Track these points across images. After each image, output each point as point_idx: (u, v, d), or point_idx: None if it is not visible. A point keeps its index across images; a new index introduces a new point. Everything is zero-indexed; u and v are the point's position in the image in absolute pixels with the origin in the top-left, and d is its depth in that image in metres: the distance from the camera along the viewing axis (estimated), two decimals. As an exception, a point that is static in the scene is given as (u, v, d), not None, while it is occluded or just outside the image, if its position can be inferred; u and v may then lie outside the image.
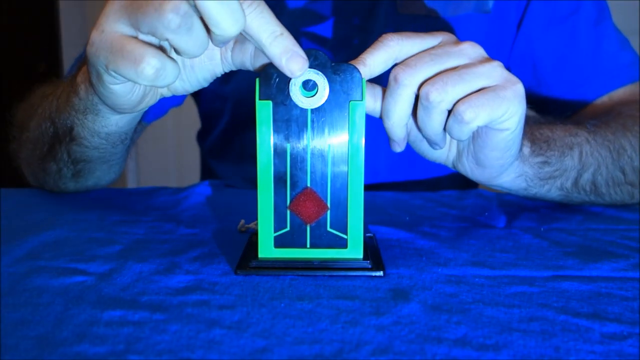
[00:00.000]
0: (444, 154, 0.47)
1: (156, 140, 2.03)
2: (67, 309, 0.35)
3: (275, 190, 0.40)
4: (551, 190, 0.52)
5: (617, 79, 0.70)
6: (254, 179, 0.41)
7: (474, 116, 0.40)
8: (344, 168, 0.40)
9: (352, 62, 0.41)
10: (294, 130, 0.40)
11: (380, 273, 0.40)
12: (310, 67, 0.39)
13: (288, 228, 0.41)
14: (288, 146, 0.40)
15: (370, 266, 0.40)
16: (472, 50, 0.41)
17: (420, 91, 0.40)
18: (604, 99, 0.70)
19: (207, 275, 0.40)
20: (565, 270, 0.42)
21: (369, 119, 0.41)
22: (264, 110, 0.39)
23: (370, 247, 0.45)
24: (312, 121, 0.40)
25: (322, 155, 0.40)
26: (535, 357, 0.30)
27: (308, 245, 0.41)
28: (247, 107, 0.76)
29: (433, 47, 0.42)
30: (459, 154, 0.46)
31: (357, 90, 0.39)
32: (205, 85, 0.43)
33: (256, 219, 0.41)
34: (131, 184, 2.09)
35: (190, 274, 0.40)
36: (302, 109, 0.40)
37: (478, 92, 0.40)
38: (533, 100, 0.74)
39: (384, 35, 0.41)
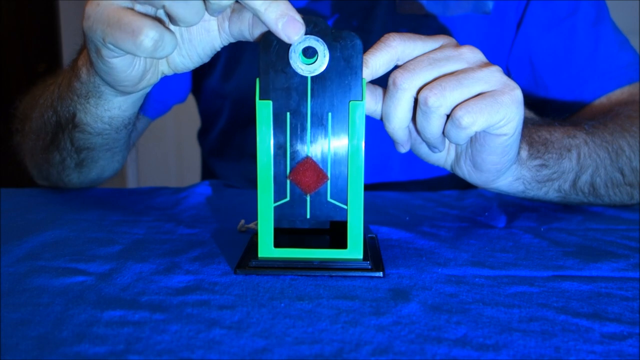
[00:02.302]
0: (443, 157, 0.47)
1: (156, 140, 2.03)
2: (67, 309, 0.35)
3: (275, 161, 0.40)
4: (549, 193, 0.52)
5: (615, 80, 0.70)
6: (253, 178, 0.41)
7: (472, 121, 0.40)
8: (344, 137, 0.40)
9: None
10: (294, 99, 0.39)
11: (380, 274, 0.40)
12: (310, 34, 0.38)
13: (288, 198, 0.40)
14: (288, 115, 0.39)
15: (370, 267, 0.40)
16: (471, 55, 0.41)
17: (419, 96, 0.40)
18: (602, 100, 0.70)
19: (207, 275, 0.40)
20: (565, 270, 0.42)
21: (369, 118, 0.41)
22: (264, 110, 0.39)
23: (371, 248, 0.45)
24: (312, 89, 0.39)
25: (322, 125, 0.40)
26: (535, 357, 0.30)
27: (308, 216, 0.41)
28: (246, 106, 0.76)
29: (432, 51, 0.42)
30: (457, 157, 0.46)
31: (357, 57, 0.39)
32: (206, 60, 0.43)
33: (256, 219, 0.41)
34: (131, 184, 2.09)
35: (190, 274, 0.40)
36: (302, 76, 0.39)
37: (476, 97, 0.40)
38: (531, 101, 0.74)
39: (386, 36, 0.41)
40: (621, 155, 0.56)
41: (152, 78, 0.43)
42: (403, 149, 0.44)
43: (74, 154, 0.56)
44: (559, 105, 0.72)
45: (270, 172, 0.40)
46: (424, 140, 0.44)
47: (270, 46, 0.39)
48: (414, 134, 0.44)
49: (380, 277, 0.40)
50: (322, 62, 0.39)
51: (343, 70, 0.39)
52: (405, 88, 0.40)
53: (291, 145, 0.40)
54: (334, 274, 0.40)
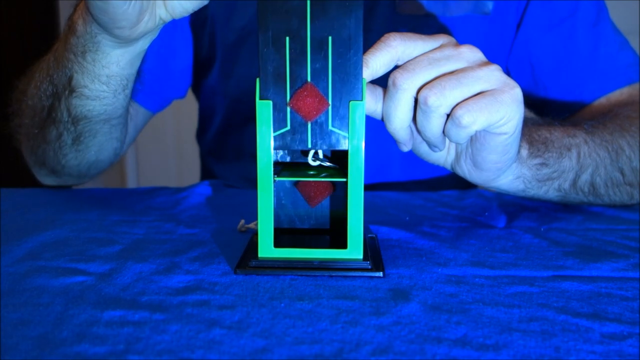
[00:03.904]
0: (443, 156, 0.47)
1: (156, 140, 2.03)
2: (67, 309, 0.35)
3: (274, 88, 0.39)
4: (549, 192, 0.52)
5: (615, 81, 0.70)
6: (251, 178, 0.41)
7: (472, 120, 0.40)
8: (346, 62, 0.38)
9: None
10: (293, 23, 0.38)
11: (380, 274, 0.40)
12: None
13: (288, 127, 0.39)
14: (287, 40, 0.38)
15: (370, 267, 0.40)
16: (470, 54, 0.41)
17: (419, 95, 0.40)
18: (602, 100, 0.70)
19: (207, 275, 0.40)
20: (565, 270, 0.42)
21: (368, 118, 0.41)
22: (264, 110, 0.39)
23: (371, 248, 0.45)
24: (312, 12, 0.38)
25: (322, 49, 0.38)
26: (535, 357, 0.30)
27: (309, 145, 0.39)
28: (243, 105, 0.76)
29: (432, 51, 0.42)
30: (457, 156, 0.46)
31: None
32: (206, 2, 0.42)
33: (256, 218, 0.41)
34: (131, 184, 2.09)
35: (190, 274, 0.40)
36: None
37: (476, 96, 0.40)
38: (531, 102, 0.74)
39: (386, 35, 0.41)
40: (621, 154, 0.56)
41: (150, 22, 0.42)
42: (405, 147, 0.44)
43: (70, 125, 0.55)
44: (559, 106, 0.72)
45: (270, 172, 0.40)
46: (424, 140, 0.44)
47: None
48: (414, 133, 0.44)
49: (380, 277, 0.40)
50: None
51: None
52: (405, 88, 0.40)
53: (291, 72, 0.38)
54: (334, 274, 0.40)
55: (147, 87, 0.71)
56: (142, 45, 0.46)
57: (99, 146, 0.59)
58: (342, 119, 0.39)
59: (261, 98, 0.39)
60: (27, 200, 0.62)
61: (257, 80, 0.39)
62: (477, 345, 0.31)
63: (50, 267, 0.41)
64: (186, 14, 0.43)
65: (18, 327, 0.32)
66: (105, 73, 0.48)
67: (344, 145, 0.39)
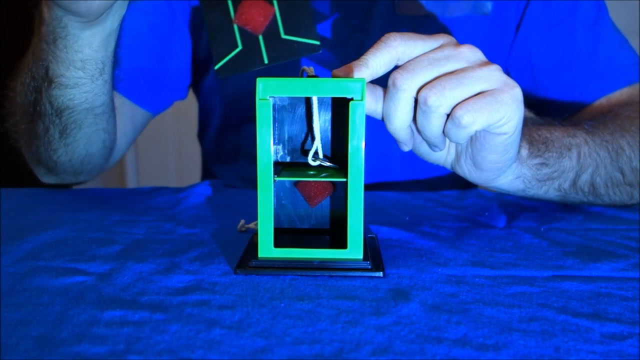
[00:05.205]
0: (443, 156, 0.47)
1: (156, 140, 2.03)
2: (67, 309, 0.35)
3: (218, 8, 0.36)
4: (549, 192, 0.52)
5: (615, 82, 0.70)
6: (250, 178, 0.41)
7: (472, 120, 0.40)
8: None
9: (355, 62, 0.41)
10: None
11: (380, 274, 0.40)
12: None
13: (240, 46, 0.36)
14: None
15: (370, 267, 0.40)
16: (470, 54, 0.41)
17: (419, 95, 0.40)
18: (602, 101, 0.70)
19: (207, 275, 0.40)
20: (565, 270, 0.42)
21: (368, 118, 0.41)
22: (264, 110, 0.39)
23: (371, 248, 0.45)
24: None
25: None
26: (535, 357, 0.30)
27: (266, 60, 0.36)
28: (240, 106, 0.76)
29: (432, 51, 0.42)
30: (458, 156, 0.46)
31: None
32: None
33: (256, 218, 0.41)
34: (131, 184, 2.09)
35: (190, 274, 0.40)
36: None
37: (476, 96, 0.40)
38: (531, 102, 0.74)
39: (386, 35, 0.41)
40: (621, 154, 0.56)
41: None
42: (406, 147, 0.44)
43: (55, 118, 0.55)
44: (559, 107, 0.72)
45: (270, 172, 0.40)
46: (424, 139, 0.44)
47: None
48: (415, 132, 0.44)
49: (380, 277, 0.40)
50: None
51: None
52: (405, 89, 0.40)
53: None
54: (334, 274, 0.40)
55: (146, 88, 0.71)
56: (112, 24, 0.46)
57: (86, 138, 0.59)
58: (296, 25, 0.36)
59: (205, 22, 0.36)
60: (27, 200, 0.62)
61: (257, 80, 0.39)
62: (477, 345, 0.31)
63: (50, 267, 0.41)
64: None
65: (18, 327, 0.32)
66: (79, 58, 0.48)
67: (303, 52, 0.36)
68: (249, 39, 0.36)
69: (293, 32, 0.36)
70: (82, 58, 0.48)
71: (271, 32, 0.36)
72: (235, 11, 0.36)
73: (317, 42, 0.35)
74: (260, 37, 0.36)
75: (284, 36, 0.36)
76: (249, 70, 0.36)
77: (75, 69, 0.50)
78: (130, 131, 0.71)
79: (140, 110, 0.72)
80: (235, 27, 0.36)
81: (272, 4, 0.36)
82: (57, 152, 0.60)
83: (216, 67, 0.37)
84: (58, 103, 0.53)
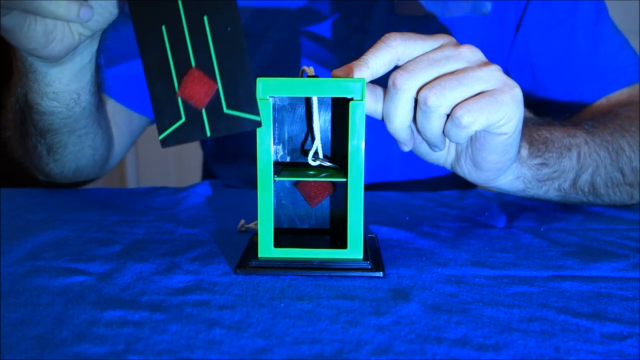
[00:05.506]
0: (443, 156, 0.47)
1: (156, 140, 2.02)
2: (67, 309, 0.35)
3: (161, 80, 0.37)
4: (549, 192, 0.52)
5: (615, 82, 0.69)
6: (250, 179, 0.41)
7: (472, 120, 0.40)
8: (227, 40, 0.36)
9: (355, 62, 0.41)
10: (165, 8, 0.36)
11: (380, 274, 0.40)
12: None
13: (183, 118, 0.37)
14: (164, 28, 0.36)
15: (370, 267, 0.40)
16: (470, 54, 0.41)
17: (419, 96, 0.40)
18: (602, 101, 0.70)
19: (207, 275, 0.40)
20: (565, 270, 0.42)
21: (368, 118, 0.41)
22: (264, 110, 0.39)
23: (371, 248, 0.45)
24: None
25: (201, 32, 0.36)
26: (535, 357, 0.30)
27: (208, 134, 0.37)
28: None
29: (432, 51, 0.42)
30: (458, 156, 0.46)
31: None
32: (115, 15, 0.42)
33: (256, 218, 0.41)
34: (131, 184, 2.09)
35: (190, 274, 0.40)
36: None
37: (476, 97, 0.40)
38: (531, 103, 0.74)
39: (386, 35, 0.41)
40: (621, 154, 0.56)
41: (66, 39, 0.42)
42: (406, 147, 0.44)
43: (40, 138, 0.55)
44: (559, 107, 0.72)
45: (270, 172, 0.40)
46: (424, 140, 0.44)
47: None
48: (415, 132, 0.44)
49: (380, 277, 0.40)
50: None
51: None
52: (405, 89, 0.40)
53: (174, 60, 0.37)
54: (334, 274, 0.40)
55: (140, 93, 0.70)
56: (81, 60, 0.45)
57: (74, 155, 0.60)
58: (237, 99, 0.36)
59: (150, 91, 0.37)
60: (27, 200, 0.62)
61: (257, 80, 0.39)
62: (477, 345, 0.31)
63: (50, 267, 0.41)
64: (102, 28, 0.43)
65: (18, 327, 0.32)
66: (51, 90, 0.48)
67: (244, 127, 0.37)
68: (192, 111, 0.37)
69: (235, 107, 0.37)
70: (54, 90, 0.48)
71: (213, 107, 0.37)
72: (179, 84, 0.37)
73: (258, 118, 0.37)
74: (203, 111, 0.37)
75: (226, 111, 0.37)
76: (192, 140, 0.38)
77: (49, 100, 0.50)
78: (128, 136, 0.71)
79: (137, 115, 0.72)
80: (179, 99, 0.37)
81: (216, 80, 0.37)
82: (48, 166, 0.61)
83: (160, 137, 0.38)
84: (40, 126, 0.54)
